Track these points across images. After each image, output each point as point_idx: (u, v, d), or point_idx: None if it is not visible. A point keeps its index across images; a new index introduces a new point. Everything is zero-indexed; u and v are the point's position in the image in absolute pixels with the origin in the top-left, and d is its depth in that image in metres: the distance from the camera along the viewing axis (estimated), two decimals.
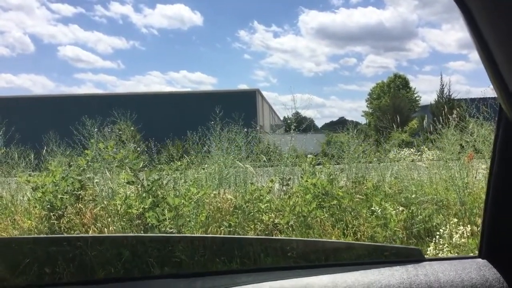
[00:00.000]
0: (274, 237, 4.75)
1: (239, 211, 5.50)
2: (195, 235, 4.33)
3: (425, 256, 1.11)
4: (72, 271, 1.17)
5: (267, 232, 5.31)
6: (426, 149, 8.16)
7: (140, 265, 1.17)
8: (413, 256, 1.11)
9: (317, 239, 4.14)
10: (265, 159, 8.14)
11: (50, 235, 3.77)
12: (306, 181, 6.04)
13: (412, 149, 8.98)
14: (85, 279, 1.16)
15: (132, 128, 8.04)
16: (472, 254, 1.12)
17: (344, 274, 1.04)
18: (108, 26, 79.48)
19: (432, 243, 4.49)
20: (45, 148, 8.85)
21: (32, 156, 8.45)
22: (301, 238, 4.33)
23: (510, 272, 1.00)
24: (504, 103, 0.61)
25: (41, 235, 3.99)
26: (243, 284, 1.01)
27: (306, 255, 1.21)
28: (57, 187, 5.97)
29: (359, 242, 4.58)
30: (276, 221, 5.44)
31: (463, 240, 4.37)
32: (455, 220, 4.82)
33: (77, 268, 1.16)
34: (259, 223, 5.45)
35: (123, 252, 1.20)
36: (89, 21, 76.53)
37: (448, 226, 4.64)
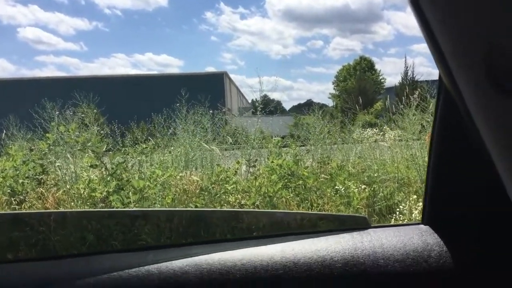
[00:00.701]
0: (225, 209, 4.78)
1: (206, 193, 5.51)
2: (147, 209, 4.30)
3: (371, 224, 1.15)
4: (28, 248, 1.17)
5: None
6: (389, 129, 8.36)
7: (91, 240, 1.17)
8: (359, 224, 1.16)
9: (267, 210, 4.19)
10: (231, 141, 8.15)
11: (8, 212, 3.68)
12: (272, 162, 6.09)
13: (375, 129, 9.18)
14: (37, 256, 1.16)
15: (95, 111, 7.85)
16: (415, 221, 1.17)
17: (293, 242, 1.07)
18: (70, 7, 76.86)
19: (393, 219, 4.64)
20: (5, 132, 8.61)
21: None
22: (251, 210, 4.37)
23: (449, 237, 1.06)
24: (444, 74, 0.64)
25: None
26: (195, 256, 1.03)
27: (256, 226, 1.24)
28: (18, 172, 5.85)
29: (308, 212, 4.69)
30: (243, 202, 5.48)
31: None
32: (415, 197, 4.98)
33: (31, 244, 1.16)
34: (225, 205, 5.47)
35: (73, 228, 1.20)
36: (50, 1, 73.88)
37: (408, 202, 4.79)
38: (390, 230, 1.11)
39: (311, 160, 7.36)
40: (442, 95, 0.99)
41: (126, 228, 1.21)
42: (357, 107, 10.11)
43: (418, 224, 1.14)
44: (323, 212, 4.71)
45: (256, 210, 4.35)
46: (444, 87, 0.97)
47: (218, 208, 4.85)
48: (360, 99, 10.64)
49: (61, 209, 5.00)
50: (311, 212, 4.78)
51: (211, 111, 8.43)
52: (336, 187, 5.40)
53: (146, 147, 7.01)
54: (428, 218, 1.13)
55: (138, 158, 6.42)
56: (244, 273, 0.99)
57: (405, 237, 1.07)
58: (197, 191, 5.66)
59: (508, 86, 0.53)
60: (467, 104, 0.59)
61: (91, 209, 4.48)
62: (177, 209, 4.28)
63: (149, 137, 8.65)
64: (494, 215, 1.03)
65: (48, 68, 79.78)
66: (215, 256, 1.03)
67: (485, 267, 1.00)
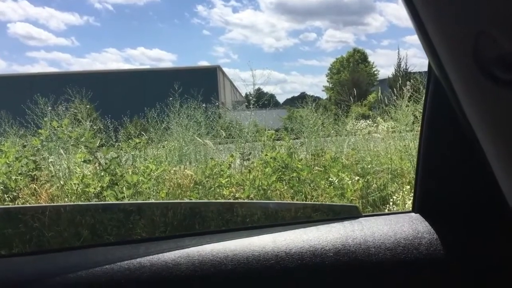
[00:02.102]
0: (217, 200, 4.79)
1: (200, 187, 5.51)
2: (142, 201, 4.30)
3: (362, 213, 1.16)
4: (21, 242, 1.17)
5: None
6: (382, 120, 8.38)
7: (86, 234, 1.17)
8: (351, 213, 1.17)
9: (259, 201, 4.18)
10: (225, 135, 8.15)
11: (1, 206, 3.66)
12: (266, 155, 6.10)
13: (368, 121, 9.20)
14: (30, 250, 1.15)
15: (87, 106, 7.82)
16: (406, 210, 1.18)
17: (284, 232, 1.08)
18: (60, 2, 76.33)
19: (386, 209, 4.67)
20: None
21: None
22: (245, 201, 4.36)
23: (440, 224, 1.07)
24: (434, 64, 0.64)
25: None
26: (187, 247, 1.03)
27: (248, 217, 1.25)
28: (11, 168, 5.81)
29: (300, 202, 4.71)
30: (237, 195, 5.48)
31: None
32: (408, 187, 5.00)
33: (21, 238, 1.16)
34: (219, 198, 5.48)
35: (67, 222, 1.19)
36: None
37: (401, 193, 4.82)
38: (381, 219, 1.12)
39: (305, 152, 7.38)
40: (431, 85, 0.99)
41: (120, 221, 1.21)
42: (351, 99, 10.15)
43: (409, 212, 1.15)
44: (315, 202, 4.72)
45: (249, 201, 4.35)
46: (434, 77, 0.98)
47: (212, 200, 4.85)
48: (354, 91, 10.67)
49: (55, 203, 4.99)
50: (303, 202, 4.80)
51: (204, 105, 8.42)
52: (330, 179, 5.42)
53: (140, 142, 6.99)
54: (418, 206, 1.14)
55: (131, 153, 6.40)
56: (236, 264, 0.99)
57: (396, 225, 1.08)
58: (191, 185, 5.66)
59: (497, 73, 0.53)
60: (457, 93, 0.59)
61: (85, 203, 4.47)
62: (171, 201, 4.28)
63: (142, 132, 8.63)
64: (483, 203, 1.04)
65: (40, 64, 79.44)
66: (207, 247, 1.03)
67: (475, 255, 1.01)
